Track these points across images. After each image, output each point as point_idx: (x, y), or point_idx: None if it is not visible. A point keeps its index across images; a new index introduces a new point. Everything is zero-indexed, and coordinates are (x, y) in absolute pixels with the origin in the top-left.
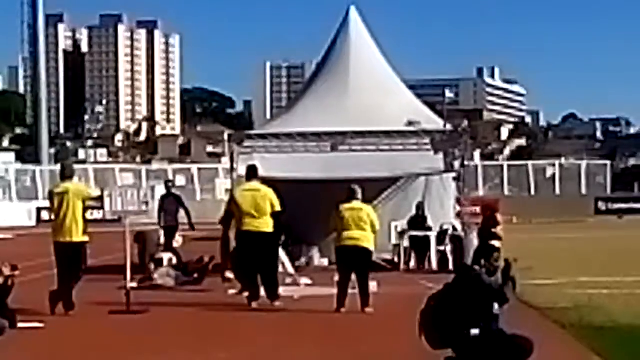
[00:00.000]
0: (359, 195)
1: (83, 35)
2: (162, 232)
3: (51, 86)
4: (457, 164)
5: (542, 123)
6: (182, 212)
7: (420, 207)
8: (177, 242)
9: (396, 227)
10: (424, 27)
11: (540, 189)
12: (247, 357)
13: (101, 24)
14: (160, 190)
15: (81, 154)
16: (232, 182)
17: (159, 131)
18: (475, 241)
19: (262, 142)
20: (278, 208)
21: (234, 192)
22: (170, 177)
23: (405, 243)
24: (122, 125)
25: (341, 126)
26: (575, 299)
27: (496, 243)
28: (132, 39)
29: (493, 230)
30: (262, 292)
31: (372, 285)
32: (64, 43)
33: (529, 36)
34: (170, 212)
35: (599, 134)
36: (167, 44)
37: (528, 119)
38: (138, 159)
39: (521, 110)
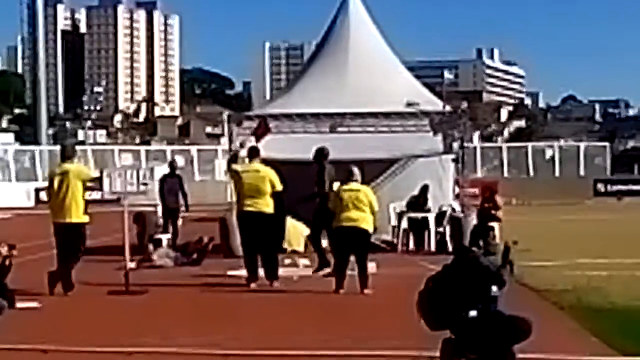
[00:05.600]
0: (358, 177)
1: (82, 16)
2: (160, 213)
3: (50, 67)
4: (456, 145)
5: (542, 105)
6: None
7: (424, 189)
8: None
9: (394, 208)
10: (423, 8)
11: (539, 171)
12: (246, 337)
13: (100, 4)
14: (160, 170)
15: (80, 135)
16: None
17: (157, 112)
18: (473, 222)
19: None
20: (279, 188)
21: (236, 170)
22: (169, 157)
23: (404, 224)
24: (121, 106)
25: (340, 107)
26: (574, 281)
27: (494, 224)
28: (131, 19)
29: (493, 212)
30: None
31: (371, 267)
32: (63, 23)
33: (529, 17)
34: (172, 193)
35: (598, 116)
36: (166, 24)
37: (527, 101)
38: (137, 140)
39: (520, 92)
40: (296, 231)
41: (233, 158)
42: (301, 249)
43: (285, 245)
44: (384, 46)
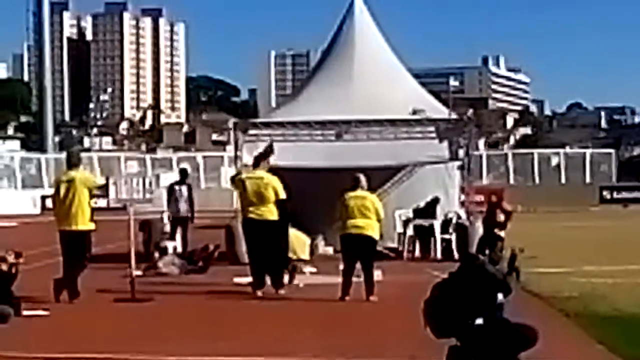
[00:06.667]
0: (364, 184)
1: (88, 23)
2: (166, 220)
3: (56, 74)
4: (461, 152)
5: (547, 112)
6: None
7: (435, 202)
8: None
9: (400, 215)
10: (428, 16)
11: (545, 178)
12: (252, 345)
13: (106, 12)
14: (165, 178)
15: (86, 142)
16: (237, 170)
17: (163, 119)
18: (480, 230)
19: (267, 131)
20: (282, 196)
21: (241, 177)
22: (175, 165)
23: (410, 232)
24: (127, 114)
25: (346, 115)
26: (580, 288)
27: (500, 232)
28: (137, 26)
29: (500, 219)
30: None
31: (377, 274)
32: (69, 31)
33: (534, 25)
34: (182, 201)
35: (603, 123)
36: (171, 32)
37: (533, 108)
38: (143, 147)
39: (526, 99)
40: (299, 240)
41: (238, 174)
42: (306, 257)
43: (291, 254)
44: (389, 53)
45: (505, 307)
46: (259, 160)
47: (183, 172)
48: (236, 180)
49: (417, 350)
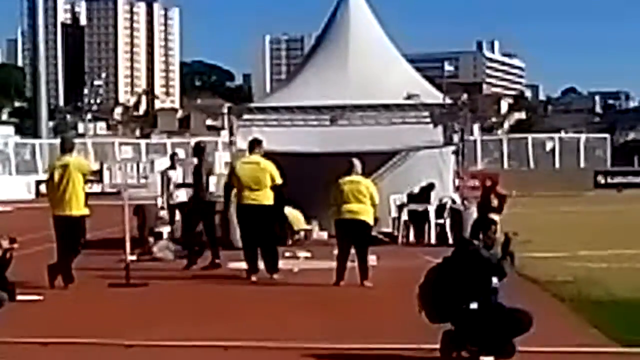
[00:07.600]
0: (359, 169)
1: (82, 8)
2: (161, 205)
3: (50, 59)
4: (456, 137)
5: (542, 97)
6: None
7: (430, 187)
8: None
9: (395, 200)
10: (423, 0)
11: (539, 163)
12: (245, 330)
13: None
14: (160, 163)
15: (80, 128)
16: (232, 155)
17: (158, 104)
18: (474, 215)
19: (262, 116)
20: (278, 181)
21: (234, 164)
22: (170, 150)
23: (404, 216)
24: (121, 99)
25: (340, 99)
26: (574, 273)
27: (495, 216)
28: (131, 12)
29: (495, 204)
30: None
31: (371, 259)
32: (63, 16)
33: (529, 9)
34: (177, 186)
35: (598, 108)
36: (166, 17)
37: (527, 93)
38: (137, 133)
39: (521, 84)
40: (294, 214)
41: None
42: (305, 226)
43: (295, 228)
44: (384, 38)
45: (499, 292)
46: (254, 144)
47: (172, 158)
48: (232, 168)
49: (411, 334)
